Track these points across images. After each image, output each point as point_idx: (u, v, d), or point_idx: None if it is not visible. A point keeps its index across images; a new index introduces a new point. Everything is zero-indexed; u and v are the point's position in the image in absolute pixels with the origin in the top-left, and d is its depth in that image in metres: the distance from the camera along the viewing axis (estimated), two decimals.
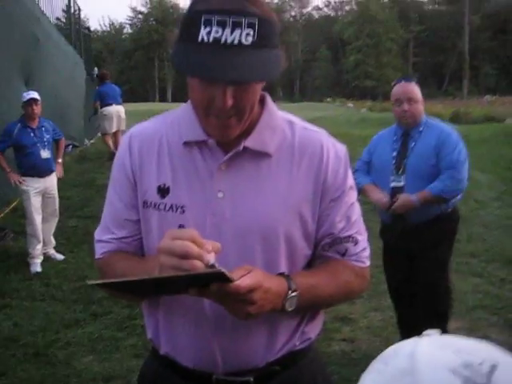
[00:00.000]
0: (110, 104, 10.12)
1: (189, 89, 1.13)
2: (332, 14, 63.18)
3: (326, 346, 3.68)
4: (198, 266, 0.98)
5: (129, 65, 59.81)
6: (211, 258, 1.00)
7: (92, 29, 27.52)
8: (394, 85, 3.37)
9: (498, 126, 17.34)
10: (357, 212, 1.29)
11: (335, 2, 62.67)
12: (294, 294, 1.14)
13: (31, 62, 7.96)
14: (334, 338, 3.82)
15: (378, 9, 53.92)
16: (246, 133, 1.18)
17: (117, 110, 10.21)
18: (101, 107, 10.20)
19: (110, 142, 10.13)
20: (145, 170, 1.23)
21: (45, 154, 5.33)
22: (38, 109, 5.33)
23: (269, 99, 1.25)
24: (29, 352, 3.73)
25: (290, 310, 1.15)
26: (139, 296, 1.29)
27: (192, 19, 1.03)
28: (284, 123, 1.25)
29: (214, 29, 1.00)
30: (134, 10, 63.76)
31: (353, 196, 1.28)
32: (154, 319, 1.29)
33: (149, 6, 62.44)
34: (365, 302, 4.47)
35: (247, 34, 1.01)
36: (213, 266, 0.99)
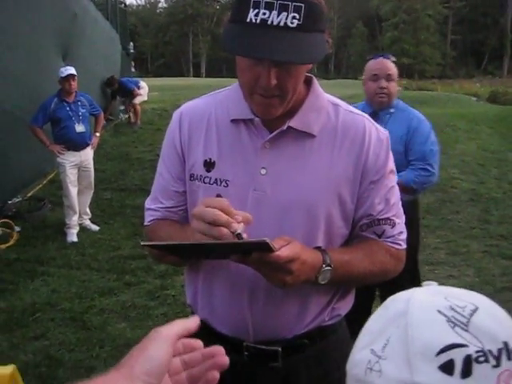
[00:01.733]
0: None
1: (237, 68, 1.18)
2: None
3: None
4: (225, 233, 1.04)
5: (163, 39, 59.89)
6: (238, 227, 1.06)
7: (128, 3, 27.59)
8: (370, 59, 3.14)
9: None
10: (396, 195, 1.32)
11: None
12: (328, 268, 1.19)
13: (69, 36, 8.08)
14: None
15: None
16: (291, 113, 1.23)
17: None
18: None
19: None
20: (193, 144, 1.29)
21: (79, 127, 5.45)
22: (74, 84, 5.46)
23: (315, 81, 1.29)
24: (66, 316, 3.90)
25: (322, 283, 1.20)
26: (184, 259, 1.36)
27: (241, 1, 1.08)
28: (329, 105, 1.28)
29: (262, 11, 1.05)
30: None
31: (393, 179, 1.31)
32: (194, 286, 1.37)
33: None
34: None
35: (293, 17, 1.05)
36: (239, 235, 1.05)
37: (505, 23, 49.52)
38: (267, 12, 1.05)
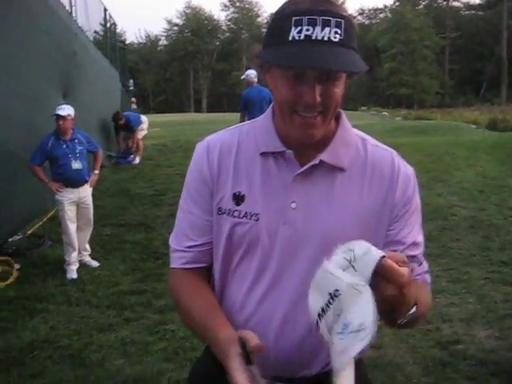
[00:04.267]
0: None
1: (274, 89, 1.17)
2: (366, 22, 62.77)
3: None
4: None
5: (164, 76, 60.71)
6: None
7: (128, 41, 28.13)
8: None
9: None
10: (421, 233, 1.31)
11: (369, 10, 62.36)
12: (414, 309, 1.08)
13: (69, 75, 8.23)
14: None
15: (412, 16, 53.37)
16: (322, 147, 1.22)
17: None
18: None
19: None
20: (222, 177, 1.26)
21: (76, 165, 5.48)
22: (66, 123, 5.47)
23: (344, 116, 1.29)
24: (64, 354, 3.87)
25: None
26: None
27: (281, 23, 1.10)
28: (357, 140, 1.28)
29: (305, 27, 1.07)
30: (169, 22, 64.74)
31: (419, 217, 1.30)
32: None
33: (184, 18, 63.33)
34: None
35: (335, 32, 1.07)
36: None
37: (500, 52, 50.12)
38: (310, 28, 1.07)
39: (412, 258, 1.26)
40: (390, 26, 55.69)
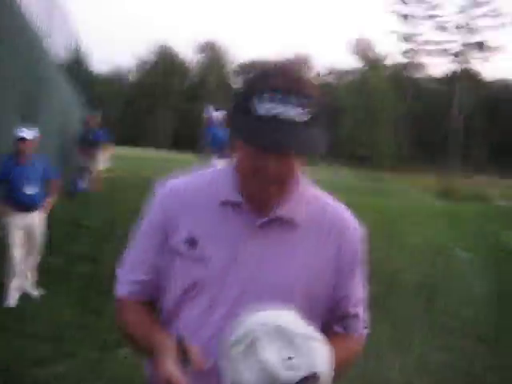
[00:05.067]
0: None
1: (238, 156, 1.23)
2: (333, 81, 64.60)
3: None
4: None
5: (130, 110, 60.58)
6: None
7: (96, 71, 28.05)
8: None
9: (487, 206, 17.65)
10: (364, 291, 1.39)
11: (338, 71, 64.16)
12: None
13: (30, 98, 8.13)
14: None
15: (377, 81, 55.40)
16: (280, 202, 1.27)
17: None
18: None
19: None
20: (179, 221, 1.29)
21: (29, 190, 5.35)
22: (26, 147, 5.35)
23: (301, 176, 1.34)
24: None
25: None
26: None
27: (251, 94, 1.15)
28: (314, 197, 1.35)
29: (273, 105, 1.12)
30: (139, 58, 65.11)
31: (362, 273, 1.37)
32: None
33: (154, 55, 63.82)
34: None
35: (301, 113, 1.13)
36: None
37: (455, 126, 52.44)
38: (279, 107, 1.12)
39: (354, 315, 1.36)
40: (355, 89, 57.54)
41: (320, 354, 1.02)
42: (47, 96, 9.02)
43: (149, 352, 1.24)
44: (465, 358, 4.97)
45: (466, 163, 45.94)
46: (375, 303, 5.95)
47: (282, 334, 1.00)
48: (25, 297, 5.48)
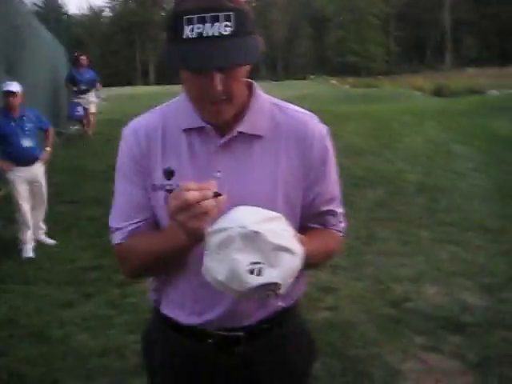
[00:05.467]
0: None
1: (182, 82, 1.26)
2: None
3: (310, 314, 3.85)
4: (207, 204, 1.10)
5: (109, 49, 59.12)
6: (213, 188, 1.13)
7: (71, 13, 27.22)
8: None
9: (478, 97, 17.55)
10: (337, 188, 1.45)
11: None
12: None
13: (12, 49, 7.97)
14: (317, 307, 4.00)
15: None
16: (239, 118, 1.31)
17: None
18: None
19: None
20: (151, 156, 1.34)
21: (26, 142, 5.38)
22: (15, 100, 5.35)
23: (255, 85, 1.38)
24: (26, 332, 3.88)
25: None
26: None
27: (175, 20, 1.17)
28: (271, 106, 1.38)
29: (196, 25, 1.14)
30: None
31: (334, 173, 1.42)
32: (158, 283, 1.44)
33: None
34: (346, 271, 4.66)
35: (226, 26, 1.14)
36: (217, 193, 1.12)
37: (443, 19, 51.06)
38: (201, 26, 1.14)
39: (328, 211, 1.42)
40: None
41: (286, 266, 1.09)
42: (28, 45, 8.83)
43: (158, 256, 1.31)
44: (470, 249, 5.15)
45: (457, 57, 45.24)
46: (381, 205, 6.18)
47: (257, 240, 1.07)
48: (40, 247, 5.63)
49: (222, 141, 1.31)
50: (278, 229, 1.12)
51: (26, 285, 4.75)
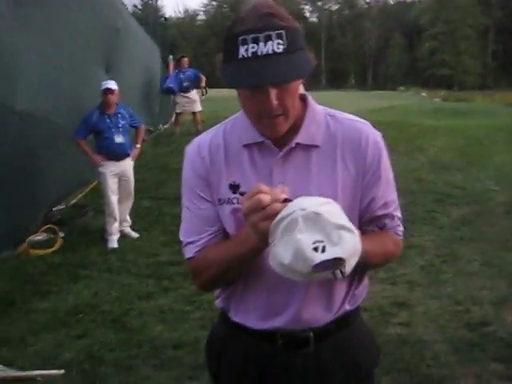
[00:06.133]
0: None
1: (240, 100, 1.33)
2: None
3: (383, 328, 3.81)
4: (278, 206, 1.15)
5: (202, 51, 60.69)
6: (283, 194, 1.18)
7: (167, 16, 28.16)
8: None
9: None
10: (394, 192, 1.47)
11: None
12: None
13: (111, 50, 8.40)
14: (391, 322, 3.95)
15: None
16: (295, 131, 1.37)
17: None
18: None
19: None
20: (216, 171, 1.41)
21: (119, 139, 5.67)
22: (113, 97, 5.68)
23: (309, 97, 1.44)
24: (106, 318, 4.10)
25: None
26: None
27: (231, 41, 1.24)
28: (326, 117, 1.43)
29: (251, 45, 1.21)
30: None
31: (390, 177, 1.46)
32: (228, 290, 1.49)
33: None
34: (423, 289, 4.55)
35: (278, 44, 1.21)
36: (287, 199, 1.17)
37: None
38: (255, 45, 1.20)
39: (385, 215, 1.45)
40: (433, 4, 54.31)
41: (348, 243, 1.11)
42: (127, 47, 9.27)
43: (232, 264, 1.35)
44: None
45: None
46: (465, 223, 5.96)
47: (318, 221, 1.11)
48: (125, 239, 5.90)
49: (282, 153, 1.37)
50: (336, 210, 1.16)
51: (109, 274, 5.00)
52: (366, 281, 1.53)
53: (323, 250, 1.09)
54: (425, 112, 17.50)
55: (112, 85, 5.70)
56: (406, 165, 8.96)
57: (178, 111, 11.41)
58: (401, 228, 1.51)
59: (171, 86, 10.71)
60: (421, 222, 6.31)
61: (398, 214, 1.49)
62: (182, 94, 10.99)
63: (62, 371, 3.03)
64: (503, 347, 3.59)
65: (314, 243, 1.10)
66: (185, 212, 1.47)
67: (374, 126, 1.45)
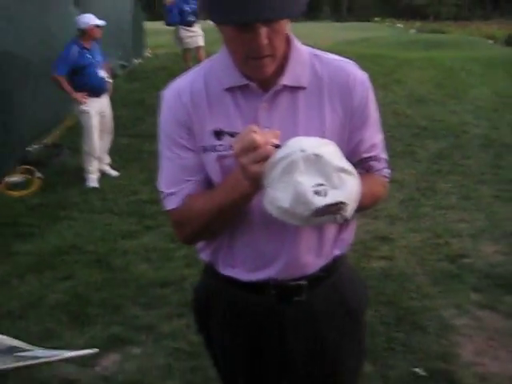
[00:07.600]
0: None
1: (224, 39, 1.24)
2: None
3: (365, 262, 3.90)
4: (271, 149, 1.11)
5: None
6: (275, 139, 1.13)
7: None
8: None
9: None
10: (379, 134, 1.44)
11: None
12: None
13: None
14: (373, 256, 4.03)
15: None
16: (280, 72, 1.29)
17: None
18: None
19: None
20: (199, 118, 1.32)
21: (101, 73, 5.58)
22: (99, 33, 5.61)
23: (293, 37, 1.35)
24: (90, 258, 4.09)
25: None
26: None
27: None
28: (311, 57, 1.36)
29: None
30: None
31: (376, 118, 1.41)
32: (214, 244, 1.43)
33: None
34: (404, 222, 4.64)
35: None
36: (278, 145, 1.12)
37: None
38: None
39: (372, 157, 1.41)
40: None
41: (349, 187, 1.09)
42: None
43: (220, 210, 1.29)
44: None
45: None
46: (442, 157, 6.02)
47: (319, 163, 1.08)
48: (104, 178, 5.83)
49: (268, 95, 1.30)
50: (336, 152, 1.13)
51: (90, 213, 4.96)
52: (353, 224, 1.49)
53: (325, 194, 1.07)
54: (401, 44, 17.32)
55: (100, 21, 5.57)
56: (383, 98, 8.92)
57: (185, 47, 10.50)
58: (387, 170, 1.48)
59: (176, 21, 9.93)
60: (399, 156, 6.34)
61: (385, 155, 1.46)
62: (184, 27, 10.22)
63: (96, 350, 2.86)
64: (481, 278, 3.71)
65: (314, 186, 1.06)
66: (164, 161, 1.37)
67: (350, 59, 1.40)
